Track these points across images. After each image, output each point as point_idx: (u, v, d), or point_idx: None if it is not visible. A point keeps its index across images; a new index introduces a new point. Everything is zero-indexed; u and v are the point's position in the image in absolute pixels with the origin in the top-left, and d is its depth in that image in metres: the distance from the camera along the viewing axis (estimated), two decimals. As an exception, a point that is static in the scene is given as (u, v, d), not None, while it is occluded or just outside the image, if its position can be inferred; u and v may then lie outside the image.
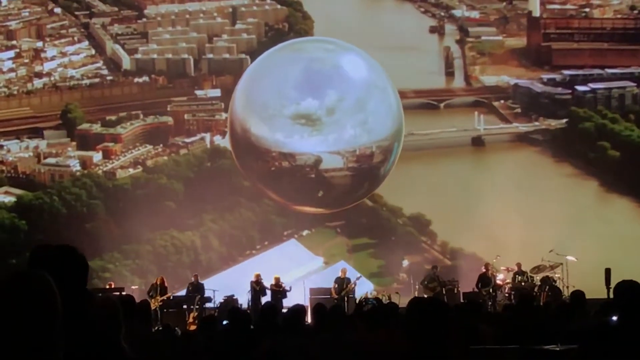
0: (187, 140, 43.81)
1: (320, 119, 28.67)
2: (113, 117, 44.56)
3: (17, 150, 43.38)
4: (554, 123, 44.66)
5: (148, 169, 41.96)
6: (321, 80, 28.45)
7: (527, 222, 34.87)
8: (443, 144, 43.73)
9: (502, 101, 46.34)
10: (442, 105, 46.09)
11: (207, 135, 43.60)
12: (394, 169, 38.87)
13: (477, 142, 44.34)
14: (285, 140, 29.01)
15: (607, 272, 23.98)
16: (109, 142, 43.44)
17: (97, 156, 42.90)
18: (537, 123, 44.96)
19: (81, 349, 4.12)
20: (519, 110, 45.77)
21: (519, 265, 26.91)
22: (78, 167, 42.11)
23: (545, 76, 46.49)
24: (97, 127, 44.01)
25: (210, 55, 47.48)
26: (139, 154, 43.05)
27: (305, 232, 36.11)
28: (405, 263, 36.52)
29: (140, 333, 9.10)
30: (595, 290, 21.61)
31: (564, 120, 44.58)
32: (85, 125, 43.97)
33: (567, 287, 25.66)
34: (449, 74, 48.48)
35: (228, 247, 37.53)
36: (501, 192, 37.46)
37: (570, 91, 45.46)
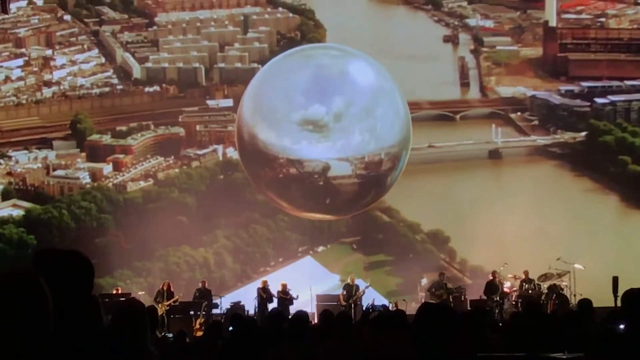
0: (199, 152, 42.21)
1: (327, 125, 27.71)
2: (124, 128, 43.01)
3: (26, 162, 41.84)
4: (573, 136, 43.00)
5: (159, 181, 40.40)
6: (329, 86, 27.61)
7: (548, 240, 33.34)
8: (460, 156, 42.15)
9: (518, 113, 44.71)
10: (458, 117, 44.45)
11: (220, 147, 41.99)
12: (412, 182, 37.65)
13: (495, 155, 42.71)
14: (293, 146, 27.93)
15: (615, 280, 23.72)
16: (119, 153, 41.92)
17: (107, 168, 41.34)
18: (555, 136, 43.27)
19: (93, 354, 3.95)
20: (536, 122, 44.13)
21: (526, 273, 26.57)
22: (88, 180, 40.55)
23: (563, 88, 44.82)
24: (107, 139, 42.47)
25: (222, 65, 45.97)
26: (149, 166, 41.49)
27: (320, 249, 34.51)
28: (424, 282, 34.86)
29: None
30: (603, 299, 21.52)
31: (583, 134, 42.92)
32: (95, 137, 42.43)
33: (575, 295, 25.33)
34: (464, 84, 46.88)
35: (242, 265, 36.03)
36: (520, 208, 35.97)
37: (589, 103, 43.80)
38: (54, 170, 41.32)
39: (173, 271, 34.32)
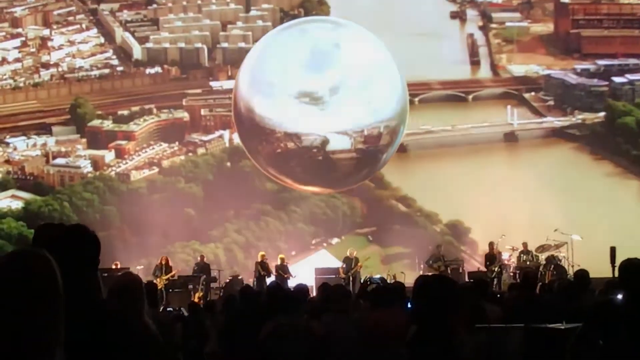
0: (205, 138, 39.13)
1: (324, 98, 27.27)
2: (125, 112, 39.89)
3: (24, 148, 38.77)
4: (591, 117, 40.01)
5: (164, 170, 37.33)
6: (324, 59, 27.07)
7: (573, 227, 30.46)
8: (474, 140, 39.20)
9: (533, 93, 41.68)
10: (470, 97, 41.40)
11: (226, 133, 38.85)
12: (426, 167, 34.90)
13: (510, 138, 39.74)
14: (290, 120, 27.55)
15: (612, 250, 23.20)
16: (121, 139, 38.85)
17: (109, 155, 38.23)
18: (573, 117, 40.25)
19: (95, 330, 3.95)
20: (551, 102, 41.08)
21: (524, 244, 26.12)
22: (89, 168, 37.46)
23: (579, 66, 41.75)
24: (108, 124, 39.34)
25: (225, 45, 42.84)
26: (153, 153, 38.39)
27: (334, 241, 31.52)
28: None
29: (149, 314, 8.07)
30: (601, 269, 21.10)
31: (602, 114, 39.91)
32: (96, 122, 39.38)
33: (572, 266, 24.70)
34: (475, 63, 43.82)
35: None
36: (539, 194, 33.14)
37: (606, 83, 40.77)
38: (54, 158, 38.25)
39: (182, 269, 31.23)
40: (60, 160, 38.00)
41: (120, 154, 38.28)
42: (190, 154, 38.47)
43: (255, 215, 33.61)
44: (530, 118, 40.63)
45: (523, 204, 31.63)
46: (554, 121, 40.26)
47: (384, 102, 28.48)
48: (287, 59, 27.47)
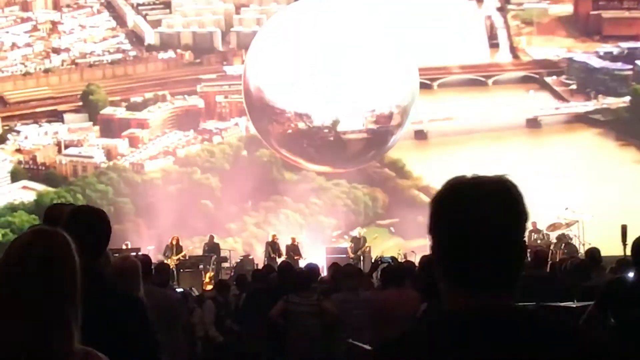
0: (220, 125, 37.27)
1: (335, 77, 27.28)
2: (138, 99, 38.09)
3: (36, 137, 36.99)
4: (615, 101, 38.09)
5: (180, 160, 35.48)
6: (336, 38, 27.04)
7: (604, 219, 28.77)
8: (496, 126, 37.35)
9: (554, 77, 39.73)
10: (490, 81, 39.50)
11: (242, 120, 36.91)
12: (448, 155, 33.75)
13: (533, 124, 37.87)
14: (300, 99, 27.56)
15: (624, 229, 22.41)
16: (135, 127, 37.01)
17: (122, 144, 36.41)
18: (597, 102, 38.32)
19: (100, 308, 4.02)
20: (574, 87, 39.16)
21: (534, 224, 25.37)
22: (103, 158, 35.66)
23: (602, 49, 39.77)
24: (121, 112, 37.51)
25: (240, 28, 40.93)
26: (168, 142, 36.53)
27: (355, 233, 29.70)
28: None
29: (159, 293, 9.08)
30: (612, 248, 20.70)
31: (628, 99, 37.99)
32: (108, 110, 37.56)
33: (583, 244, 24.49)
34: (493, 45, 41.81)
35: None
36: (566, 183, 31.38)
37: (631, 66, 38.84)
38: (66, 147, 36.46)
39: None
40: (72, 150, 36.22)
41: (133, 142, 36.51)
42: (205, 143, 36.68)
43: (273, 207, 31.81)
44: (553, 103, 38.73)
45: (548, 192, 29.77)
46: (578, 106, 38.33)
47: (396, 82, 28.28)
48: (297, 37, 27.15)
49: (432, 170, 34.63)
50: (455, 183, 2.58)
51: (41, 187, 34.40)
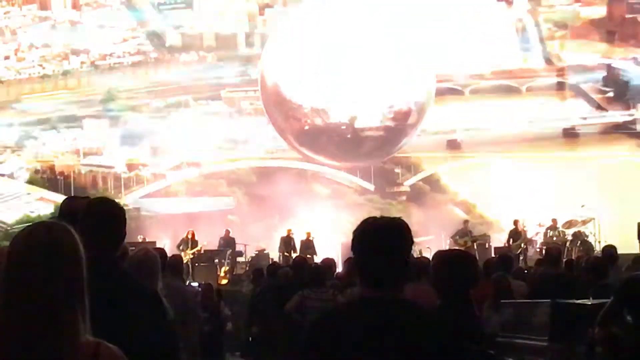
0: (247, 134, 34.87)
1: (352, 74, 26.65)
2: (160, 104, 35.73)
3: (54, 143, 34.68)
4: (656, 111, 35.61)
5: (204, 171, 33.06)
6: (352, 35, 26.55)
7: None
8: (531, 136, 34.89)
9: (590, 84, 37.18)
10: (524, 88, 37.00)
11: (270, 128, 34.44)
12: (483, 165, 31.82)
13: (570, 134, 35.38)
14: (317, 95, 27.06)
15: None
16: (157, 135, 34.63)
17: (143, 153, 34.00)
18: (637, 111, 35.80)
19: (116, 300, 4.07)
20: (611, 94, 36.61)
21: (554, 221, 25.59)
22: (123, 168, 33.30)
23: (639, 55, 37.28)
24: (142, 118, 35.10)
25: (263, 29, 38.62)
26: (192, 152, 34.12)
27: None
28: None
29: (173, 286, 8.77)
30: (629, 246, 20.38)
31: (668, 108, 35.54)
32: (129, 115, 35.10)
33: (599, 242, 24.11)
34: (525, 49, 39.30)
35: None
36: (608, 200, 28.85)
37: (672, 74, 36.39)
38: (85, 155, 34.12)
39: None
40: (92, 159, 33.93)
41: (154, 151, 34.16)
42: (231, 152, 34.30)
43: (303, 224, 29.34)
44: (590, 111, 36.22)
45: (591, 211, 27.20)
46: (617, 115, 35.78)
47: (414, 79, 27.86)
48: (314, 33, 26.91)
49: (465, 182, 32.51)
50: (367, 220, 3.68)
51: (60, 199, 32.03)
